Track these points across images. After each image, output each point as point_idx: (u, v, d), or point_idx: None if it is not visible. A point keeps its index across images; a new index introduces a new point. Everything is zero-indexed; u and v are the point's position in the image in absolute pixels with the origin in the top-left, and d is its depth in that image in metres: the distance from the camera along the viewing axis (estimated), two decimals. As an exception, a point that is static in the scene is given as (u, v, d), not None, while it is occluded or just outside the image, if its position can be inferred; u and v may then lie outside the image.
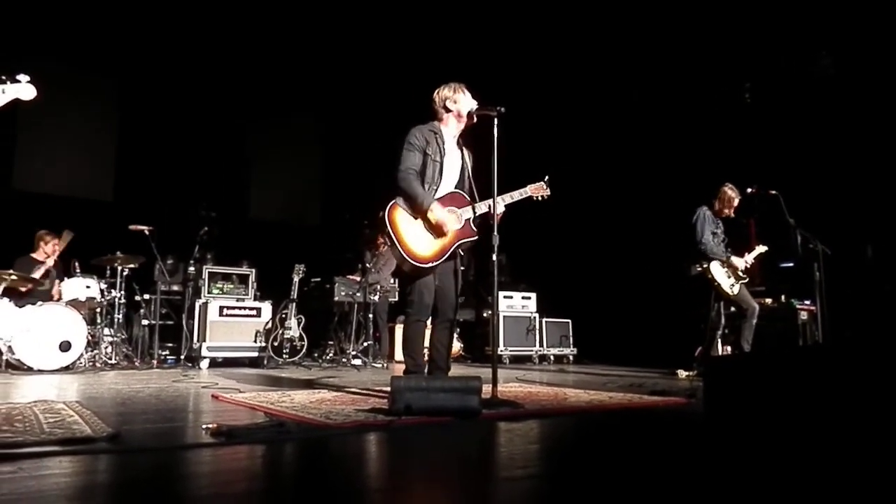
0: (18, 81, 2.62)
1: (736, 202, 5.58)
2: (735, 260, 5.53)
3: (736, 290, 5.46)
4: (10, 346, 5.31)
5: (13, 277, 5.61)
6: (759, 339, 5.45)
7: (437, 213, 3.41)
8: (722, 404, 1.50)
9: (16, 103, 2.66)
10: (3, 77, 2.60)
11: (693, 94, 7.41)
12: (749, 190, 5.53)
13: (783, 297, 6.33)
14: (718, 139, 7.15)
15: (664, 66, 7.59)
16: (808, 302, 6.06)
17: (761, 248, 5.73)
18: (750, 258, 5.62)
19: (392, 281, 7.65)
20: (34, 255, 6.26)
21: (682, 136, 7.54)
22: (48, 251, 6.26)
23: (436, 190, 3.49)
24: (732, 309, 5.60)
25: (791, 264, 6.16)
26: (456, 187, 3.60)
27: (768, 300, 6.25)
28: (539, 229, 7.67)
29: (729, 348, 5.77)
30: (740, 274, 5.52)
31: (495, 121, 3.33)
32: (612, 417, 3.19)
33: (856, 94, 6.30)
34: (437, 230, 3.44)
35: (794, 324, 6.12)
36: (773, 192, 5.36)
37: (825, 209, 6.05)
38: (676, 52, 7.41)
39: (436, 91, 3.62)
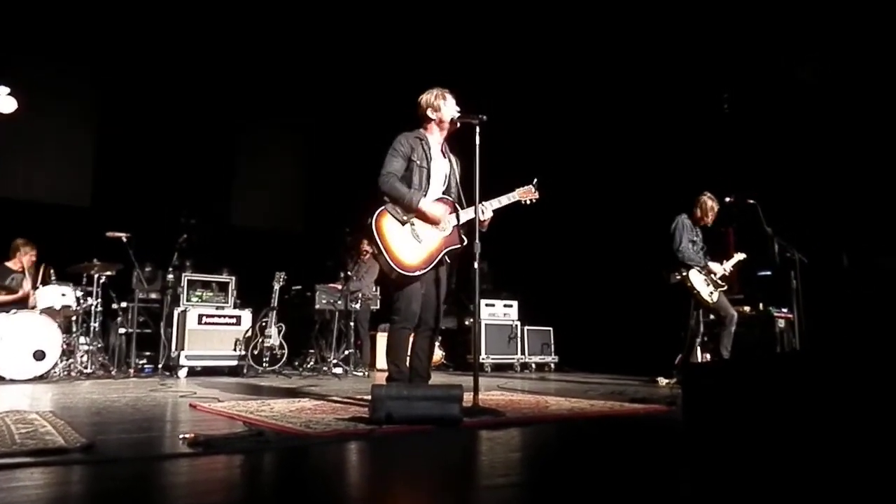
0: None
1: (715, 211, 5.65)
2: (712, 265, 5.59)
3: (715, 297, 5.52)
4: (-18, 355, 5.19)
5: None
6: (738, 347, 5.50)
7: (428, 207, 3.43)
8: (701, 411, 1.50)
9: None
10: None
11: (673, 104, 7.50)
12: (727, 199, 5.61)
13: (761, 305, 6.41)
14: (697, 148, 7.25)
15: (644, 75, 7.67)
16: (785, 310, 6.15)
17: (739, 256, 5.80)
18: (728, 266, 5.69)
19: (374, 289, 7.62)
20: (8, 264, 6.14)
21: (662, 145, 7.63)
22: (24, 262, 6.14)
23: (423, 196, 3.50)
24: (711, 316, 5.67)
25: (769, 272, 6.24)
26: (443, 194, 3.61)
27: (746, 308, 6.33)
28: (520, 237, 7.70)
29: (708, 356, 5.82)
30: (718, 282, 5.58)
31: (477, 129, 3.34)
32: (594, 425, 3.20)
33: (833, 104, 6.42)
34: (431, 224, 3.45)
35: (772, 331, 6.20)
36: (751, 201, 5.44)
37: (801, 218, 6.14)
38: (656, 61, 7.50)
39: (419, 97, 3.63)
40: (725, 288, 5.63)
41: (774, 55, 6.80)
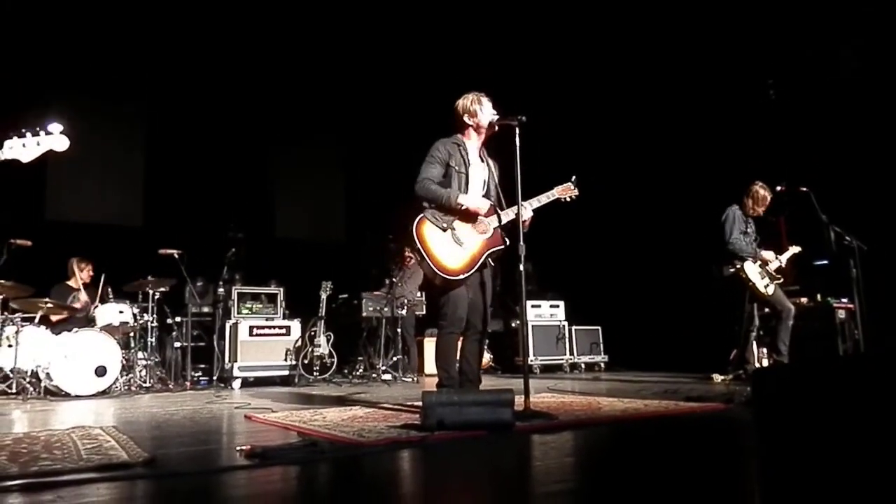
0: (51, 133, 2.66)
1: (767, 200, 5.48)
2: (765, 254, 5.42)
3: (771, 290, 5.34)
4: (48, 373, 5.41)
5: (49, 305, 5.74)
6: (797, 340, 5.31)
7: (467, 200, 3.44)
8: (774, 422, 1.40)
9: (49, 153, 2.71)
10: (38, 129, 2.65)
11: (718, 93, 7.31)
12: (779, 188, 5.43)
13: (819, 296, 6.16)
14: (745, 137, 7.04)
15: (687, 64, 7.50)
16: (845, 300, 5.90)
17: (794, 249, 5.62)
18: (784, 258, 5.51)
19: (419, 294, 7.65)
20: (69, 283, 6.40)
21: (709, 135, 7.43)
22: (82, 277, 6.40)
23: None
24: (766, 310, 5.48)
25: (825, 262, 6.00)
26: (482, 197, 3.60)
27: (804, 299, 6.10)
28: (565, 236, 7.61)
29: (765, 350, 5.64)
30: (774, 274, 5.40)
31: (517, 130, 3.32)
32: (649, 426, 3.13)
33: (878, 87, 6.15)
34: (472, 223, 3.45)
35: (832, 323, 5.94)
36: (804, 188, 5.25)
37: (858, 204, 5.89)
38: (699, 50, 7.32)
39: (457, 102, 3.64)
40: (781, 280, 5.45)
41: (820, 39, 6.56)
